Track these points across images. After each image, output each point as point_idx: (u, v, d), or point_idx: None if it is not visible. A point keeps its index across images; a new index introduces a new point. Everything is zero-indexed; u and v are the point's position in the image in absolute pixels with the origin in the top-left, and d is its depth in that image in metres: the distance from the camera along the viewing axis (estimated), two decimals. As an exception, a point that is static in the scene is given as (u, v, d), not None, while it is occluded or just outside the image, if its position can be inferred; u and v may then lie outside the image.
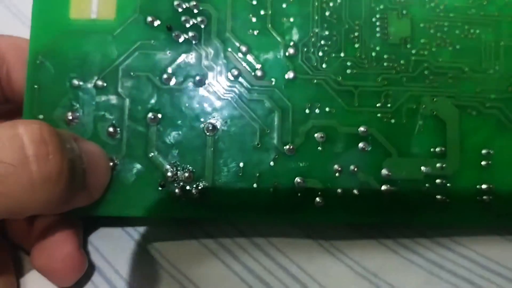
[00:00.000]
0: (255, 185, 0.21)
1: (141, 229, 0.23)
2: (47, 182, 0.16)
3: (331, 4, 0.22)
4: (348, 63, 0.22)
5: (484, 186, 0.22)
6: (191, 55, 0.22)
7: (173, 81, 0.21)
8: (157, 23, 0.22)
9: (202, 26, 0.22)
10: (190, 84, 0.21)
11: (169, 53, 0.21)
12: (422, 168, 0.21)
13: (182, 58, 0.21)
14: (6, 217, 0.16)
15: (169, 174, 0.21)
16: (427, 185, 0.21)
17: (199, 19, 0.22)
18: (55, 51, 0.21)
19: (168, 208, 0.21)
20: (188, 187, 0.21)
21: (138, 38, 0.21)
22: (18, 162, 0.16)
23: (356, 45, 0.22)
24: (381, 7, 0.22)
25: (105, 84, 0.21)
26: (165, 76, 0.21)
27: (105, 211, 0.21)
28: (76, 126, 0.21)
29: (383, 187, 0.21)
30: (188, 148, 0.21)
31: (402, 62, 0.22)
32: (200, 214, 0.21)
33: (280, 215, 0.21)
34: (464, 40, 0.22)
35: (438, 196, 0.21)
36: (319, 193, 0.21)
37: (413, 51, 0.22)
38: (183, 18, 0.22)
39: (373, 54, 0.22)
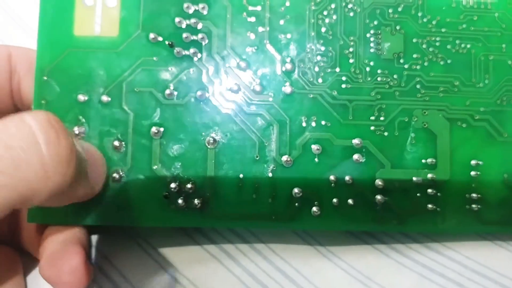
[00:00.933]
0: (254, 196, 0.22)
1: (145, 234, 0.24)
2: (59, 164, 0.17)
3: (326, 21, 0.23)
4: (343, 78, 0.23)
5: (473, 195, 0.23)
6: (192, 70, 0.22)
7: (175, 96, 0.22)
8: (159, 39, 0.22)
9: (203, 43, 0.23)
10: (192, 99, 0.22)
11: (171, 69, 0.22)
12: (414, 178, 0.22)
13: (184, 73, 0.22)
14: (19, 204, 0.16)
15: (172, 185, 0.22)
16: (418, 194, 0.23)
17: (199, 36, 0.22)
18: (61, 68, 0.22)
19: (171, 218, 0.22)
20: (190, 198, 0.22)
21: (141, 55, 0.22)
22: (29, 147, 0.16)
23: (351, 61, 0.23)
24: (375, 23, 0.23)
25: (109, 99, 0.22)
26: (167, 91, 0.22)
27: (111, 221, 0.22)
28: (83, 140, 0.22)
29: (377, 197, 0.22)
30: (190, 161, 0.22)
31: (395, 76, 0.23)
32: (201, 223, 0.22)
33: (278, 223, 0.22)
34: (455, 54, 0.23)
35: (429, 205, 0.22)
36: (316, 202, 0.22)
37: (406, 66, 0.23)
38: (184, 35, 0.22)
39: (367, 69, 0.23)
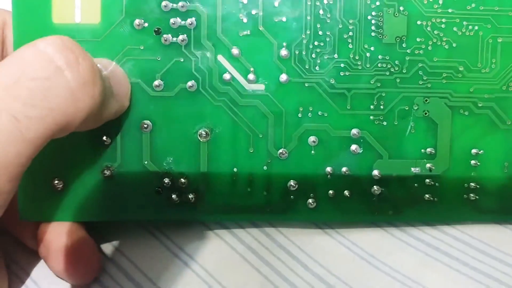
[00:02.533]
0: (249, 189, 0.22)
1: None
2: (85, 85, 0.16)
3: (325, 2, 0.21)
4: (342, 65, 0.21)
5: (472, 184, 0.22)
6: (181, 60, 0.21)
7: (164, 88, 0.21)
8: (144, 26, 0.21)
9: (191, 28, 0.21)
10: (182, 90, 0.21)
11: (159, 58, 0.21)
12: (412, 169, 0.22)
13: (172, 63, 0.21)
14: (58, 133, 0.16)
15: (165, 180, 0.21)
16: (416, 185, 0.22)
17: (188, 21, 0.21)
18: (41, 59, 0.21)
19: (165, 213, 0.22)
20: (184, 193, 0.21)
21: (125, 43, 0.21)
22: (52, 74, 0.16)
23: (350, 46, 0.21)
24: (377, 3, 0.21)
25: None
26: (155, 83, 0.21)
27: (104, 218, 0.22)
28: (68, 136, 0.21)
29: (373, 188, 0.22)
30: (182, 155, 0.21)
31: (396, 62, 0.21)
32: (196, 217, 0.22)
33: (273, 215, 0.22)
34: (461, 37, 0.22)
35: (427, 195, 0.22)
36: (311, 194, 0.22)
37: (408, 51, 0.21)
38: (171, 21, 0.21)
39: (367, 54, 0.21)
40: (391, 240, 0.23)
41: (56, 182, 0.21)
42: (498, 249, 0.22)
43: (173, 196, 0.21)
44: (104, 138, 0.21)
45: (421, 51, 0.22)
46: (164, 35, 0.21)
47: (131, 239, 0.23)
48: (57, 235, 0.21)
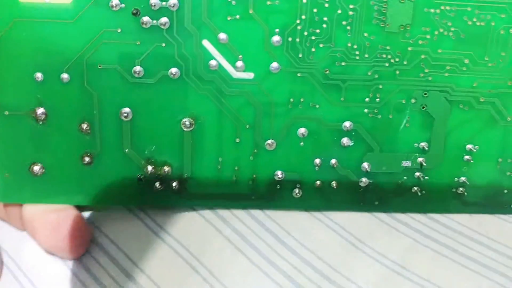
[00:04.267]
0: (234, 178, 0.21)
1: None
2: None
3: (324, -16, 0.19)
4: (338, 55, 0.20)
5: (462, 179, 0.22)
6: (163, 44, 0.19)
7: (144, 75, 0.19)
8: (121, 6, 0.19)
9: (174, 10, 0.19)
10: (164, 77, 0.20)
11: (138, 42, 0.19)
12: (403, 162, 0.21)
13: (153, 48, 0.19)
14: None
15: (149, 168, 0.21)
16: (405, 177, 0.22)
17: (171, 2, 0.19)
18: (7, 41, 0.19)
19: (147, 199, 0.21)
20: (167, 180, 0.21)
21: (101, 26, 0.19)
22: None
23: (349, 34, 0.19)
24: (382, -12, 0.19)
25: (69, 78, 0.19)
26: (135, 69, 0.19)
27: (83, 201, 0.21)
28: (47, 122, 0.20)
29: (361, 180, 0.21)
30: (165, 144, 0.20)
31: (397, 53, 0.20)
32: (180, 203, 0.22)
33: (258, 203, 0.22)
34: (470, 27, 0.20)
35: (414, 188, 0.22)
36: (298, 185, 0.21)
37: (411, 41, 0.20)
38: (152, 1, 0.19)
39: (367, 44, 0.20)
40: (380, 225, 0.23)
41: (35, 167, 0.20)
42: (487, 236, 0.22)
43: (156, 184, 0.21)
44: (84, 125, 0.20)
45: (425, 41, 0.20)
46: (144, 18, 0.19)
47: (113, 220, 0.23)
48: (42, 211, 0.21)
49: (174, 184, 0.21)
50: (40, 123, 0.20)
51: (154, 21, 0.19)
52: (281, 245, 0.22)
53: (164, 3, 0.19)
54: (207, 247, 0.22)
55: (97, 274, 0.21)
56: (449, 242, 0.22)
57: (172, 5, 0.19)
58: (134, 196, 0.21)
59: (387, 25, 0.19)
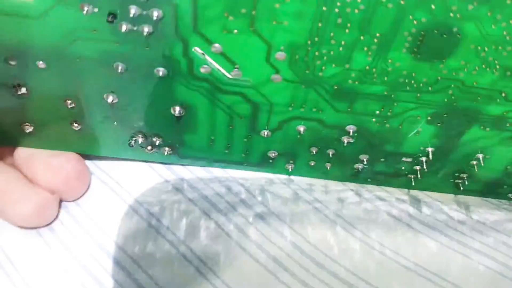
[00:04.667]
0: (226, 151, 0.21)
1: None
2: None
3: (347, 10, 0.14)
4: (353, 75, 0.16)
5: (462, 175, 0.21)
6: (146, 48, 0.16)
7: (128, 73, 0.17)
8: (94, 11, 0.15)
9: (158, 21, 0.15)
10: (149, 74, 0.17)
11: (117, 44, 0.16)
12: (404, 158, 0.20)
13: (135, 49, 0.16)
14: None
15: (140, 139, 0.20)
16: (403, 168, 0.21)
17: (154, 12, 0.15)
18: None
19: (140, 155, 0.21)
20: (158, 146, 0.21)
21: (72, 26, 0.15)
22: None
23: (369, 59, 0.16)
24: (423, 20, 0.14)
25: (44, 66, 0.17)
26: (116, 66, 0.17)
27: (76, 149, 0.21)
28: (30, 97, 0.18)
29: (357, 166, 0.21)
30: (155, 125, 0.19)
31: (424, 80, 0.16)
32: (172, 160, 0.22)
33: (249, 167, 0.22)
34: (520, 66, 0.16)
35: (410, 175, 0.21)
36: (291, 161, 0.21)
37: (444, 72, 0.16)
38: (132, 10, 0.15)
39: (389, 69, 0.16)
40: (365, 205, 0.22)
41: (25, 125, 0.20)
42: (477, 220, 0.22)
43: (148, 147, 0.21)
44: (69, 101, 0.18)
45: (461, 74, 0.16)
46: (123, 23, 0.15)
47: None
48: (44, 155, 0.21)
49: (166, 149, 0.21)
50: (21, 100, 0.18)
51: (135, 27, 0.15)
52: (271, 230, 0.21)
53: (145, 11, 0.15)
54: (175, 215, 0.22)
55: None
56: (442, 228, 0.22)
57: (156, 16, 0.15)
58: (127, 153, 0.21)
59: (418, 55, 0.16)
